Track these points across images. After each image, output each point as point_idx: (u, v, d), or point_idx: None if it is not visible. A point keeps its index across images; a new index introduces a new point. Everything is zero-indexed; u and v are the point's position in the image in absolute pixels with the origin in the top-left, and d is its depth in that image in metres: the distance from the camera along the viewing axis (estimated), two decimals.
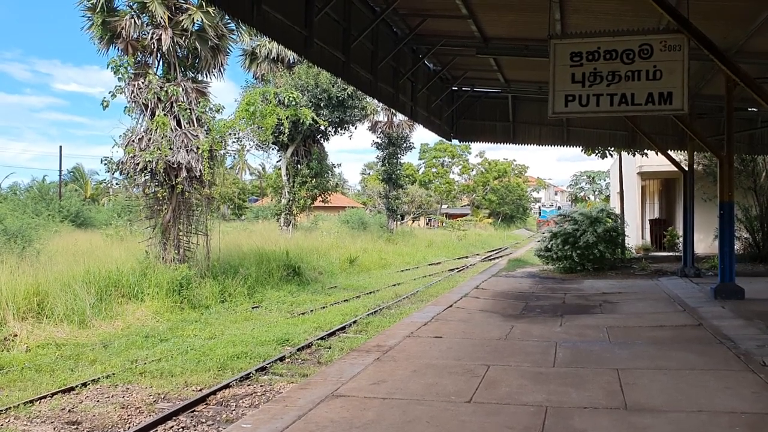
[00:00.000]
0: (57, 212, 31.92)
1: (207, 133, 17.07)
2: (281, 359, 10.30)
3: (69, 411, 7.82)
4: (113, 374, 9.33)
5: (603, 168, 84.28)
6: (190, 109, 17.05)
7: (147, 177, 16.84)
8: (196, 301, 15.02)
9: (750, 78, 9.12)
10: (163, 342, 11.51)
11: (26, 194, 37.89)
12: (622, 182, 24.82)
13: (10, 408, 7.80)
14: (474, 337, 8.56)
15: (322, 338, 11.94)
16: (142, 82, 16.79)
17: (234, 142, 18.08)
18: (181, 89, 16.92)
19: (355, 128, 34.60)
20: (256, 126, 17.84)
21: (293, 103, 20.29)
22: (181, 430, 7.21)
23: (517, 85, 17.34)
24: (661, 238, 24.91)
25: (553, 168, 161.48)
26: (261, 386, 8.85)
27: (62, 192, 40.57)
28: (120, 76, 16.75)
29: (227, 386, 8.70)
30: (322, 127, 30.18)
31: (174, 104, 16.88)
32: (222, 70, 18.63)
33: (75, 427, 7.34)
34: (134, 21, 16.83)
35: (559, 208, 69.82)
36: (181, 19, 17.00)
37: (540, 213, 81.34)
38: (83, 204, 39.00)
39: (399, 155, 42.56)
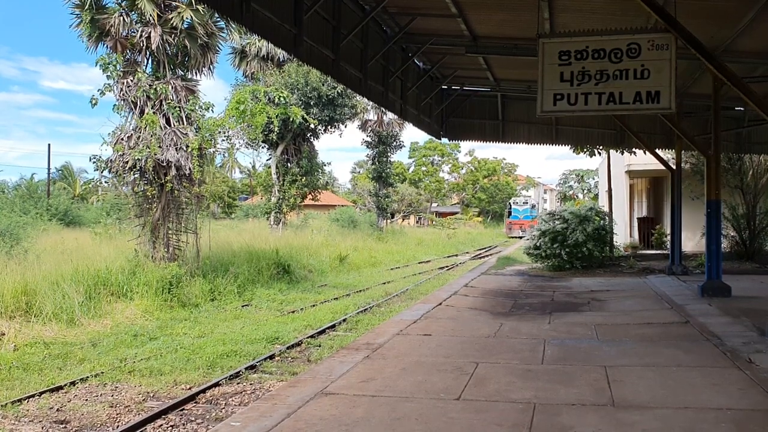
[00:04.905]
0: (45, 211, 31.77)
1: (196, 132, 17.02)
2: (271, 357, 10.30)
3: (57, 410, 7.79)
4: (102, 373, 9.29)
5: (592, 166, 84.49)
6: (179, 107, 16.99)
7: (136, 175, 16.77)
8: (185, 299, 14.98)
9: (737, 77, 9.17)
10: (152, 340, 11.47)
11: (14, 192, 37.68)
12: (611, 181, 24.92)
13: None
14: (463, 335, 8.59)
15: (311, 336, 11.95)
16: (131, 80, 16.73)
17: (224, 140, 18.03)
18: (170, 87, 16.85)
19: (345, 127, 34.72)
20: (246, 124, 17.80)
21: (283, 101, 20.27)
22: (170, 428, 7.20)
23: (506, 84, 17.42)
24: (649, 237, 25.03)
25: (542, 166, 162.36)
26: (251, 384, 8.84)
27: (51, 190, 40.27)
28: (109, 73, 16.70)
29: (217, 384, 8.69)
30: (312, 126, 30.14)
31: (163, 102, 16.82)
32: (211, 68, 18.64)
33: (63, 426, 7.31)
34: (123, 18, 16.73)
35: (533, 206, 58.61)
36: (170, 16, 16.92)
37: (510, 212, 59.52)
38: (72, 202, 38.81)
39: (389, 154, 42.64)
